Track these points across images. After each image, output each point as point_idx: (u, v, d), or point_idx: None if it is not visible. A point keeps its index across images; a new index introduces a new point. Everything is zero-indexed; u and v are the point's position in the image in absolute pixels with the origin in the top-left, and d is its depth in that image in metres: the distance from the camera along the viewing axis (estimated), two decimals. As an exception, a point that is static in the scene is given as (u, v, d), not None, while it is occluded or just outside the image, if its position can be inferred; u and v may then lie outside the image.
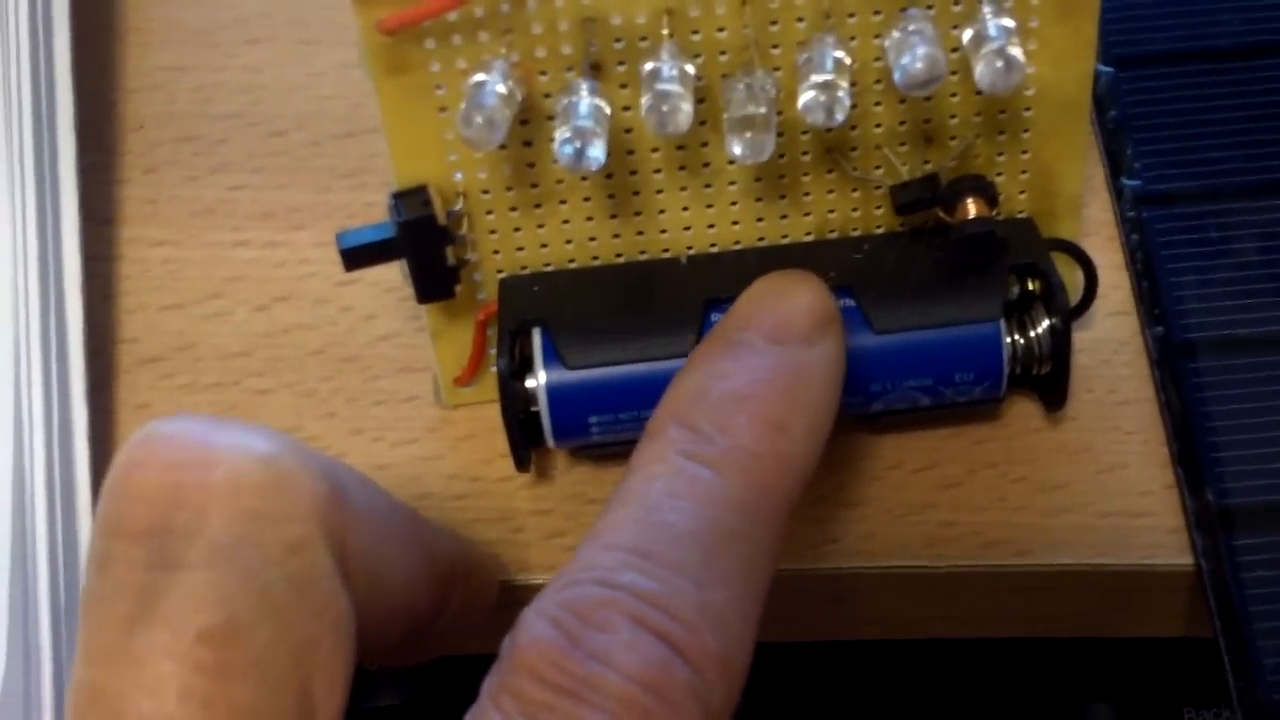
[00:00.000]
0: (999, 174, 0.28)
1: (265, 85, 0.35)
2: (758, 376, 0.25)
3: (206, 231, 0.33)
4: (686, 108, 0.25)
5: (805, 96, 0.25)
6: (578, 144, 0.25)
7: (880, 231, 0.29)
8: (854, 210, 0.29)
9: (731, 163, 0.28)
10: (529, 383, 0.28)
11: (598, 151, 0.25)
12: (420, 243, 0.27)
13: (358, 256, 0.28)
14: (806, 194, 0.28)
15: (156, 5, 0.36)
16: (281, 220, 0.33)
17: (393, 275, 0.29)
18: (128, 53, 0.36)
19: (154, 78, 0.35)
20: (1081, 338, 0.30)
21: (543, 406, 0.27)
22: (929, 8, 0.26)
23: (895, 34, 0.26)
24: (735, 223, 0.29)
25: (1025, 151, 0.28)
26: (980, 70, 0.25)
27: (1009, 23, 0.25)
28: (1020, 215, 0.29)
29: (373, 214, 0.33)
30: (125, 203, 0.34)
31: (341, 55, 0.35)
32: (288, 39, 0.35)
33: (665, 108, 0.25)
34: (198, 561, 0.21)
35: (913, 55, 0.25)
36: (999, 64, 0.25)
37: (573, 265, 0.29)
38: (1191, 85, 0.32)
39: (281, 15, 0.36)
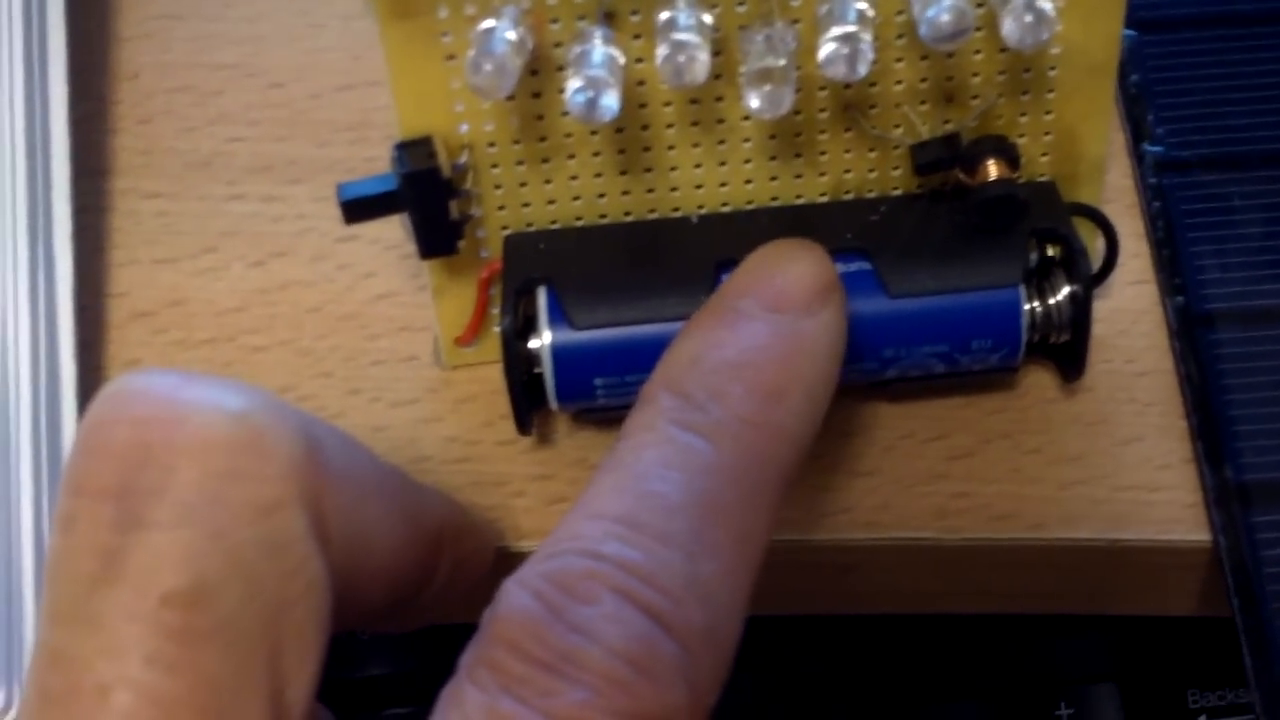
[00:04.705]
0: (1021, 135, 0.28)
1: (264, 36, 0.34)
2: (755, 345, 0.24)
3: (202, 184, 0.32)
4: (703, 58, 0.24)
5: (826, 49, 0.24)
6: (590, 93, 0.24)
7: (898, 193, 0.28)
8: (871, 170, 0.28)
9: (746, 118, 0.27)
10: (533, 343, 0.27)
11: (611, 101, 0.24)
12: (424, 195, 0.27)
13: (359, 209, 0.27)
14: (823, 153, 0.28)
15: (153, -49, 0.35)
16: (279, 174, 0.32)
17: (393, 232, 0.28)
18: (122, 0, 0.35)
19: (149, 26, 0.34)
20: (1100, 307, 0.29)
21: (547, 367, 0.27)
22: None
23: (921, -15, 0.25)
24: (749, 181, 0.28)
25: (1049, 113, 0.27)
26: (1008, 24, 0.24)
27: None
28: (1042, 178, 0.28)
29: (373, 169, 0.31)
30: (118, 153, 0.33)
31: (342, 6, 0.34)
32: (287, -12, 0.35)
33: (682, 58, 0.24)
34: (164, 521, 0.20)
35: (939, 7, 0.24)
36: (1028, 18, 0.24)
37: (580, 223, 0.28)
38: (1216, 50, 0.32)
39: (281, -37, 0.35)
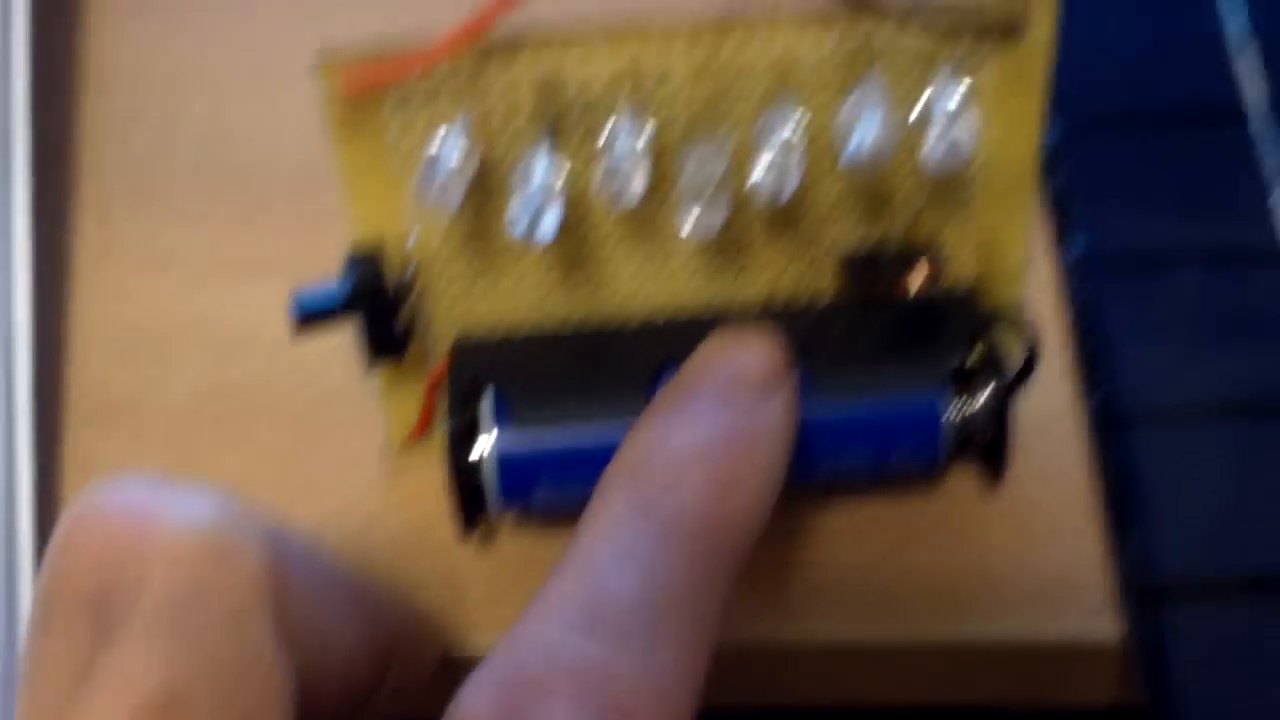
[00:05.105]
0: (945, 243, 0.29)
1: (223, 131, 0.35)
2: (708, 435, 0.25)
3: (160, 281, 0.33)
4: (639, 182, 0.25)
5: (757, 170, 0.26)
6: (531, 214, 0.25)
7: (829, 297, 0.29)
8: (803, 275, 0.29)
9: (684, 229, 0.28)
10: (477, 444, 0.28)
11: (550, 224, 0.25)
12: (374, 305, 0.28)
13: (310, 319, 0.28)
14: (757, 258, 0.29)
15: (116, 47, 0.36)
16: (236, 270, 0.33)
17: (345, 331, 0.29)
18: (86, 95, 0.35)
19: (112, 121, 0.35)
20: (1022, 404, 0.30)
21: (491, 469, 0.28)
22: (880, 79, 0.26)
23: (846, 107, 0.26)
24: (687, 285, 0.29)
25: (972, 221, 0.29)
26: (928, 148, 0.26)
27: (958, 100, 0.26)
28: (966, 283, 0.29)
29: (329, 264, 0.33)
30: (78, 249, 0.34)
31: (300, 103, 0.35)
32: (247, 85, 0.35)
33: (618, 182, 0.25)
34: (138, 630, 0.21)
35: (861, 134, 0.25)
36: (946, 143, 0.25)
37: (525, 327, 0.29)
38: (1137, 149, 0.33)
39: (241, 61, 0.36)
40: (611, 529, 0.24)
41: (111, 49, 0.36)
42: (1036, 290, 0.32)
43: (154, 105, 0.36)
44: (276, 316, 0.32)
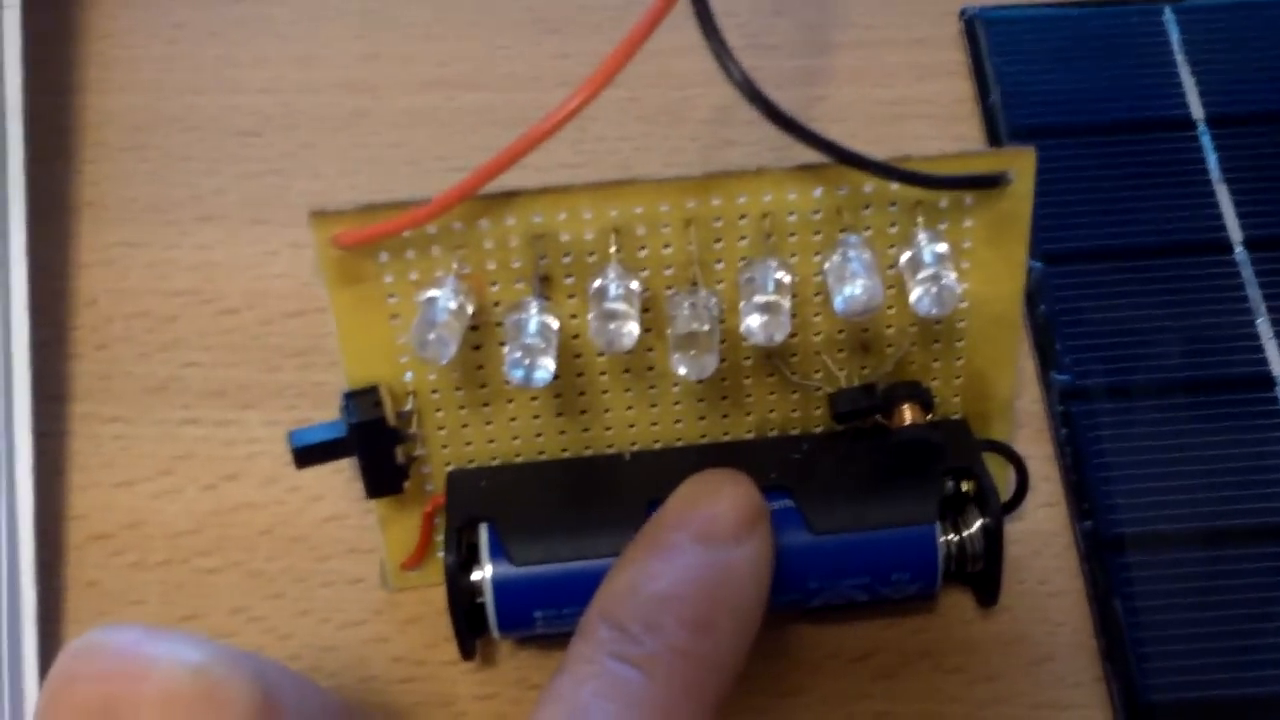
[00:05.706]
0: (934, 379, 0.29)
1: (217, 263, 0.35)
2: (685, 577, 0.25)
3: (157, 408, 0.34)
4: (632, 328, 0.26)
5: (747, 318, 0.26)
6: (526, 363, 0.26)
7: (819, 431, 0.30)
8: (794, 411, 0.29)
9: (676, 368, 0.28)
10: (475, 576, 0.28)
11: (545, 372, 0.26)
12: (371, 442, 0.28)
13: (309, 455, 0.28)
14: (748, 396, 0.29)
15: (111, 181, 0.37)
16: (232, 398, 0.34)
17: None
18: (82, 228, 0.36)
19: (108, 253, 0.36)
20: (1014, 529, 0.31)
21: (488, 600, 0.28)
22: (866, 229, 0.27)
23: (835, 258, 0.27)
24: (678, 421, 0.29)
25: (959, 359, 0.29)
26: (915, 295, 0.26)
27: (943, 248, 0.26)
28: (955, 417, 0.30)
29: (322, 393, 0.33)
30: (77, 378, 0.34)
31: (292, 235, 0.36)
32: (240, 217, 0.36)
33: (612, 326, 0.26)
34: None
35: (852, 286, 0.26)
36: (933, 291, 0.26)
37: (519, 459, 0.29)
38: (1116, 281, 0.33)
39: (234, 193, 0.36)
40: (591, 669, 0.24)
41: (106, 180, 0.37)
42: (1026, 416, 0.33)
43: (149, 236, 0.36)
44: (272, 443, 0.33)
